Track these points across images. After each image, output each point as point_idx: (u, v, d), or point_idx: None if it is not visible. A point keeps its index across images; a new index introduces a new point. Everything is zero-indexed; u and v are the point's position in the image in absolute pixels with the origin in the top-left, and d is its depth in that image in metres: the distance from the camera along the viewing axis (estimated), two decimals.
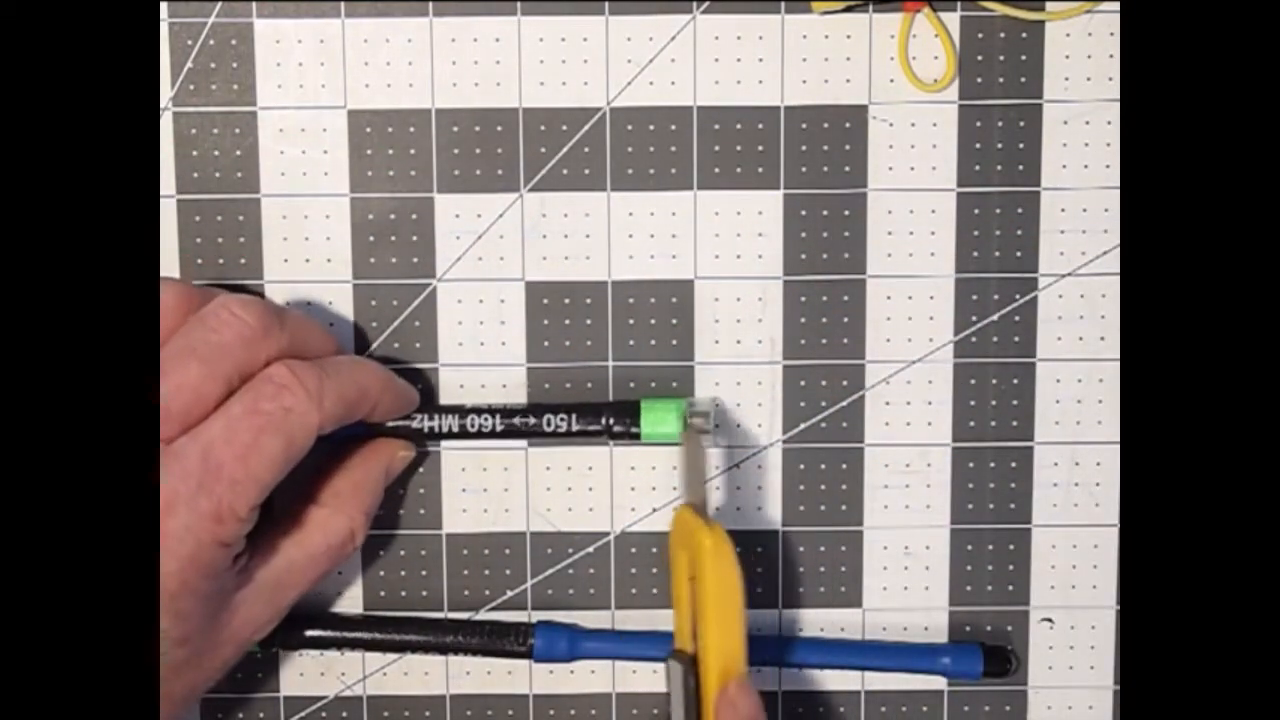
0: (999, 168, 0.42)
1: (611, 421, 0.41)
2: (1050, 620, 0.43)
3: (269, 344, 0.37)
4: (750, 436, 0.43)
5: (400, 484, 0.43)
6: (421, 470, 0.42)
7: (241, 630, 0.38)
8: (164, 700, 0.36)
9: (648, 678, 0.43)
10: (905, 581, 0.43)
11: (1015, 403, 0.43)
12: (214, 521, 0.35)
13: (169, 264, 0.42)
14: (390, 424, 0.41)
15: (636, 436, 0.41)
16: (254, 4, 0.41)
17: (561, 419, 0.41)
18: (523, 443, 0.43)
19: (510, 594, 0.43)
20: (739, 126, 0.42)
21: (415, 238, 0.42)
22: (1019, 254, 0.42)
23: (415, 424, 0.41)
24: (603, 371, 0.42)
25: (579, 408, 0.41)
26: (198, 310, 0.37)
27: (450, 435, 0.41)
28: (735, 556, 0.38)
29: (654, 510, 0.43)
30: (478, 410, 0.41)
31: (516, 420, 0.41)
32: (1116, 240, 0.42)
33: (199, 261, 0.42)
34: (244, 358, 0.37)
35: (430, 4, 0.41)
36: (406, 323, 0.42)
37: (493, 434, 0.41)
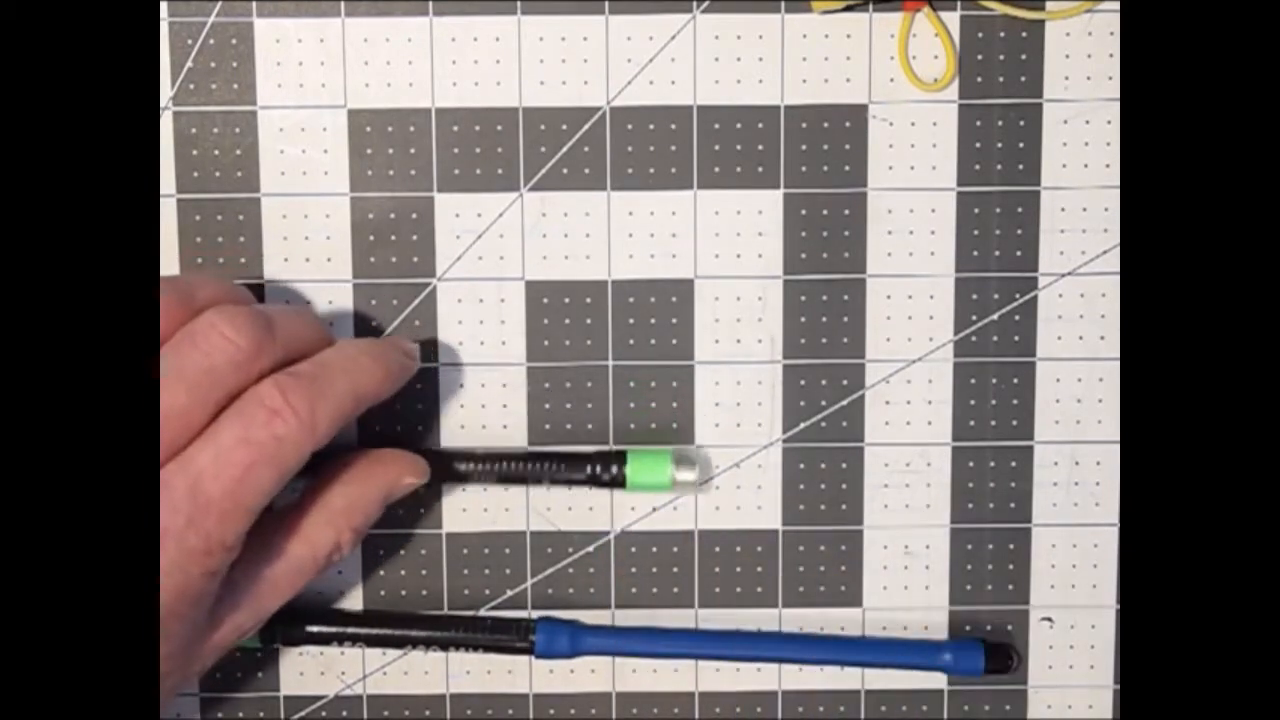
0: (999, 167, 0.42)
1: (598, 469, 0.41)
2: (1050, 619, 0.43)
3: (261, 362, 0.36)
4: (750, 436, 0.43)
5: None
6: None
7: (225, 638, 0.38)
8: None
9: (648, 676, 0.43)
10: (905, 581, 0.43)
11: (1015, 402, 0.43)
12: (203, 555, 0.35)
13: (169, 264, 0.42)
14: None
15: (622, 484, 0.41)
16: (254, 4, 0.41)
17: (547, 465, 0.41)
18: (524, 441, 0.43)
19: (510, 593, 0.43)
20: (739, 126, 0.42)
21: (415, 237, 0.42)
22: (1019, 254, 0.42)
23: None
24: (603, 371, 0.42)
25: (565, 457, 0.41)
26: (179, 317, 0.36)
27: (444, 473, 0.42)
28: None
29: (654, 510, 0.43)
30: (470, 456, 0.42)
31: (504, 465, 0.41)
32: (1116, 240, 0.42)
33: (199, 261, 0.42)
34: (235, 381, 0.36)
35: (430, 4, 0.41)
36: (406, 323, 0.42)
37: (482, 476, 0.42)
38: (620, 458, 0.41)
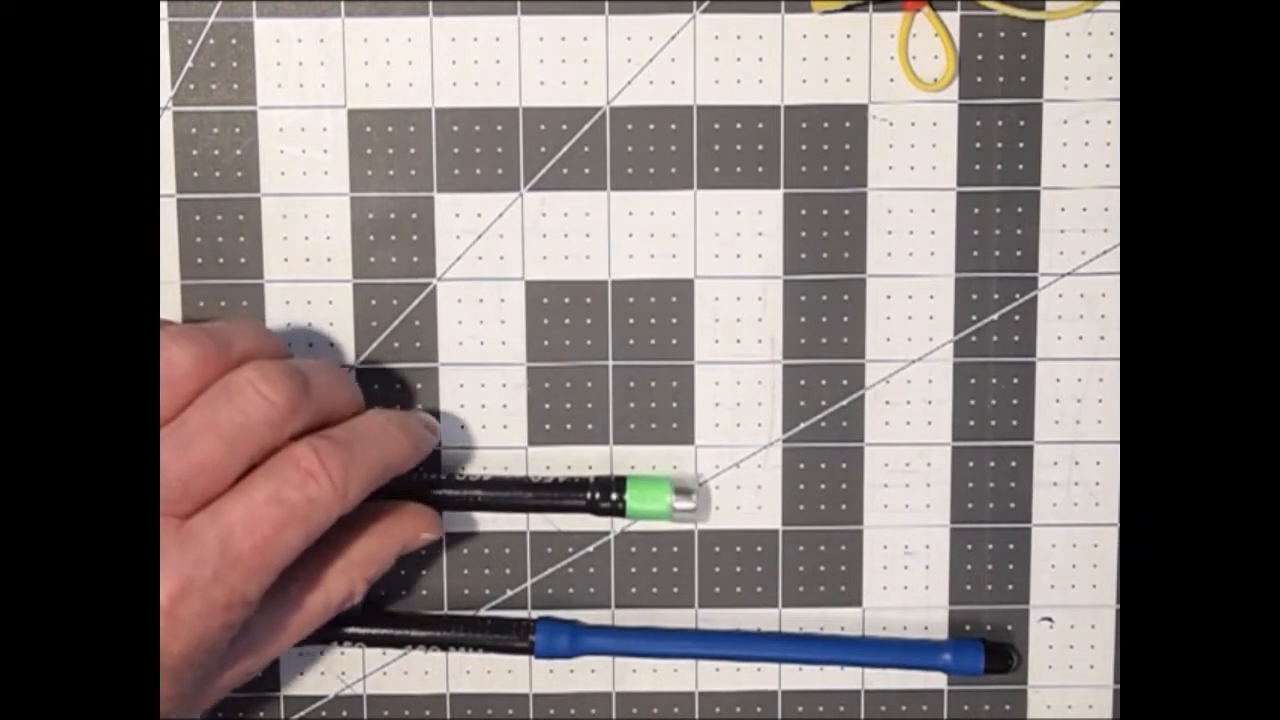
0: (999, 167, 0.42)
1: (597, 496, 0.41)
2: (1050, 619, 0.43)
3: (295, 422, 0.37)
4: (750, 436, 0.43)
5: None
6: (421, 469, 0.42)
7: (231, 681, 0.38)
8: None
9: (648, 676, 0.43)
10: (905, 581, 0.43)
11: (1015, 402, 0.43)
12: (225, 609, 0.35)
13: (169, 264, 0.42)
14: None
15: (621, 512, 0.41)
16: (254, 4, 0.41)
17: (547, 494, 0.41)
18: (523, 440, 0.43)
19: (510, 593, 0.43)
20: (739, 126, 0.42)
21: (415, 237, 0.42)
22: (1019, 253, 0.42)
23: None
24: (603, 371, 0.42)
25: (565, 483, 0.42)
26: (216, 368, 0.36)
27: (445, 500, 0.42)
28: None
29: None
30: (467, 482, 0.42)
31: (503, 493, 0.42)
32: (1116, 240, 0.42)
33: (199, 261, 0.42)
34: (269, 438, 0.36)
35: (430, 4, 0.41)
36: (406, 323, 0.42)
37: (480, 504, 0.42)
38: (620, 485, 0.41)
